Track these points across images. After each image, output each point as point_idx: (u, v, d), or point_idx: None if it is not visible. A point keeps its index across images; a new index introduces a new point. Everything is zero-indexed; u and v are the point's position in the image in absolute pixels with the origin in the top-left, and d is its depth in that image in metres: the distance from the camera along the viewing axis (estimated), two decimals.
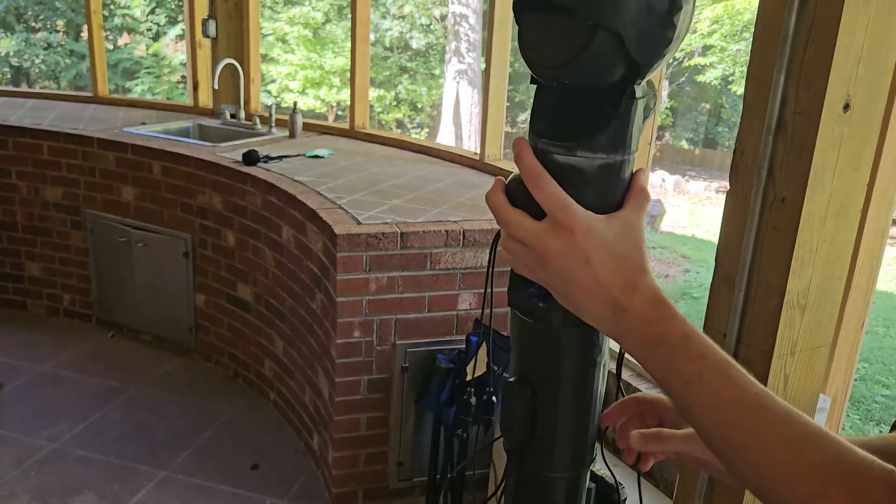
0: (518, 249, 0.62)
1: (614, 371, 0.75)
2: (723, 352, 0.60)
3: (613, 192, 0.62)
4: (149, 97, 12.81)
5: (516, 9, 0.60)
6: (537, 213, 0.60)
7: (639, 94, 0.60)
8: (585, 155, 0.60)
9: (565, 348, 0.68)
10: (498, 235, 0.85)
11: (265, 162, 3.31)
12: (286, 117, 4.01)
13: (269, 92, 12.78)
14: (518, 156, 0.60)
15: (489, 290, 0.82)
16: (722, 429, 0.59)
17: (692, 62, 14.26)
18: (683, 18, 0.58)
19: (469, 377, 2.35)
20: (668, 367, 0.60)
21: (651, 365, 0.61)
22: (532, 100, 0.64)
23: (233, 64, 4.20)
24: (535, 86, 0.63)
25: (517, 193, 0.62)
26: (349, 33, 3.98)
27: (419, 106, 14.41)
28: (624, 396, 0.84)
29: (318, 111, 13.32)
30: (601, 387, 0.71)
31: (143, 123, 4.06)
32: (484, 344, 2.34)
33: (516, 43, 0.59)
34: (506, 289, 0.68)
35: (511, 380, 0.72)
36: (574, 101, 0.61)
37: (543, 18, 0.58)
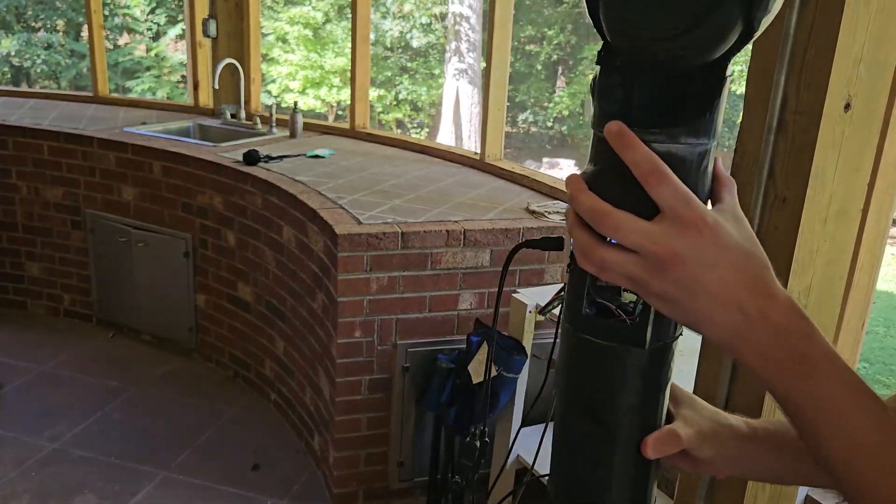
0: (624, 259, 0.52)
1: None
2: (858, 376, 0.54)
3: (707, 180, 0.56)
4: (149, 97, 12.81)
5: None
6: (639, 211, 0.52)
7: (730, 70, 0.54)
8: (689, 141, 0.53)
9: (643, 373, 0.59)
10: (516, 249, 0.77)
11: (266, 162, 3.31)
12: (287, 117, 4.01)
13: (269, 92, 12.78)
14: (628, 145, 0.51)
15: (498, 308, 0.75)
16: (853, 463, 0.53)
17: None
18: None
19: (475, 380, 2.35)
20: (802, 388, 0.52)
21: (780, 382, 0.53)
22: (599, 80, 0.56)
23: (233, 64, 4.20)
24: (606, 65, 0.55)
25: (609, 191, 0.53)
26: (349, 33, 3.98)
27: (419, 106, 14.41)
28: None
29: (318, 111, 13.31)
30: (664, 415, 0.63)
31: (144, 123, 4.06)
32: (484, 345, 2.34)
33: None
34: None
35: (575, 418, 0.62)
36: (677, 80, 0.54)
37: None
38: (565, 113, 14.55)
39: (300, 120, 3.97)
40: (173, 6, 14.01)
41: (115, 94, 5.30)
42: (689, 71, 0.52)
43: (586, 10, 0.54)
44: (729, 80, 0.54)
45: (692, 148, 0.53)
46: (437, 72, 14.03)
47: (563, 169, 13.26)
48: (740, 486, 1.71)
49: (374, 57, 13.34)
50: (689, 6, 0.48)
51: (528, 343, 2.35)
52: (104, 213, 3.74)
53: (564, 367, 0.63)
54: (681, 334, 0.61)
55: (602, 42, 0.56)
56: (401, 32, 13.67)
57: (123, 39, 14.53)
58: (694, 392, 1.70)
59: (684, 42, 0.50)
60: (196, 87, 4.49)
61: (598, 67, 0.56)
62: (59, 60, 13.55)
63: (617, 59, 0.55)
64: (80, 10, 13.00)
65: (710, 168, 0.56)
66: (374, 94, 13.09)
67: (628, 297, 0.59)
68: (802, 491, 1.93)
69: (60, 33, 14.15)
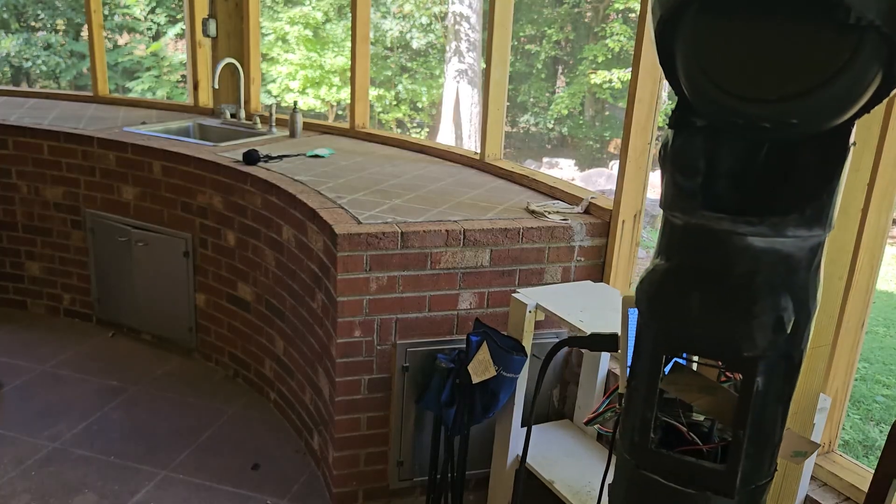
0: None
1: None
2: None
3: (820, 280, 0.40)
4: (149, 97, 12.81)
5: (685, 6, 0.36)
6: None
7: (853, 138, 0.38)
8: (799, 233, 0.39)
9: None
10: (559, 346, 0.58)
11: (265, 161, 3.31)
12: (286, 117, 4.01)
13: (269, 92, 12.78)
14: None
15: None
16: None
17: None
18: None
19: (475, 380, 2.35)
20: None
21: None
22: (671, 151, 0.39)
23: (233, 63, 4.20)
24: (680, 132, 0.39)
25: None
26: (349, 33, 3.98)
27: (419, 105, 14.41)
28: None
29: (318, 111, 13.32)
30: None
31: (144, 123, 4.06)
32: (484, 345, 2.34)
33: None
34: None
35: None
36: (785, 149, 0.39)
37: (770, 24, 0.34)
38: (565, 113, 14.55)
39: (300, 119, 3.97)
40: (173, 6, 14.01)
41: (115, 94, 5.30)
42: (801, 139, 0.37)
43: (657, 57, 0.39)
44: (852, 149, 0.38)
45: (802, 242, 0.39)
46: (437, 72, 14.03)
47: (562, 169, 13.26)
48: None
49: (373, 56, 13.34)
50: (812, 59, 0.34)
51: (527, 343, 2.35)
52: (104, 213, 3.74)
53: None
54: (776, 470, 0.45)
55: (678, 98, 0.40)
56: (401, 32, 13.67)
57: (123, 39, 14.53)
58: None
59: (800, 107, 0.35)
60: (196, 86, 4.49)
61: (669, 131, 0.40)
62: (59, 61, 13.55)
63: (698, 120, 0.40)
64: (79, 9, 13.00)
65: (822, 263, 0.40)
66: (373, 93, 13.09)
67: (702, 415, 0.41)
68: (802, 490, 1.93)
69: (60, 33, 14.15)
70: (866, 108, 0.38)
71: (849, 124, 0.38)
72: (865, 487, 1.74)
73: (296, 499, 2.76)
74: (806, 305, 0.39)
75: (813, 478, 2.03)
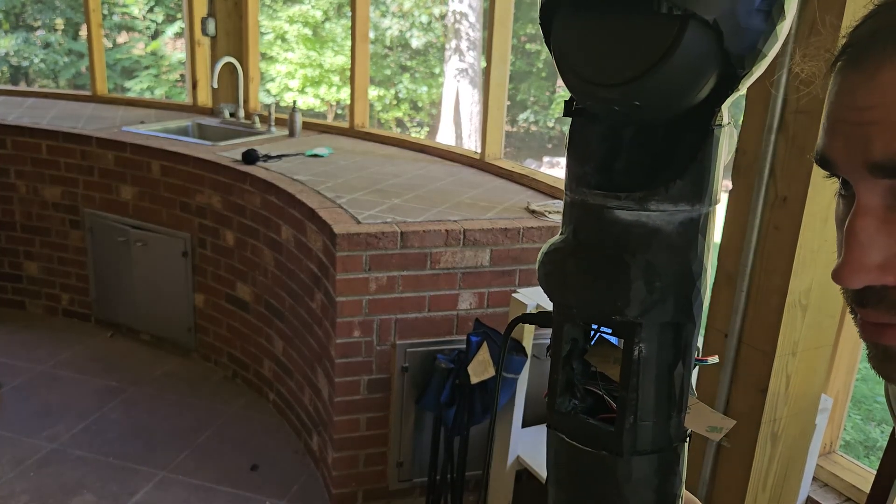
0: None
1: None
2: None
3: (700, 257, 0.46)
4: (147, 96, 12.80)
5: (553, 9, 0.44)
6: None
7: (724, 119, 0.45)
8: (663, 207, 0.44)
9: (639, 483, 0.50)
10: (515, 323, 0.66)
11: (264, 161, 3.30)
12: (285, 116, 4.00)
13: (268, 91, 12.76)
14: None
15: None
16: None
17: None
18: (787, 6, 0.43)
19: (474, 381, 2.34)
20: None
21: None
22: (568, 136, 0.48)
23: (232, 62, 4.19)
24: (573, 119, 0.48)
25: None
26: (349, 32, 3.97)
27: (419, 105, 14.40)
28: None
29: (317, 110, 13.30)
30: None
31: (142, 122, 4.05)
32: (485, 345, 2.33)
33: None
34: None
35: None
36: (644, 132, 0.46)
37: (608, 18, 0.42)
38: None
39: (299, 119, 3.96)
40: (171, 5, 14.00)
41: (113, 94, 5.28)
42: (665, 121, 0.45)
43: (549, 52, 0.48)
44: (720, 130, 0.45)
45: (669, 216, 0.45)
46: (437, 71, 14.02)
47: (563, 168, 13.25)
48: (741, 485, 1.71)
49: (373, 55, 13.33)
50: (640, 49, 0.41)
51: (527, 343, 2.34)
52: (103, 213, 3.73)
53: (551, 470, 0.55)
54: (688, 437, 0.51)
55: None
56: (400, 31, 13.65)
57: (122, 38, 14.52)
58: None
59: (644, 86, 0.41)
60: (195, 86, 4.48)
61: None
62: (57, 60, 13.54)
63: (583, 110, 0.47)
64: (78, 8, 12.99)
65: (704, 239, 0.46)
66: (373, 92, 13.08)
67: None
68: (804, 491, 1.92)
69: (59, 32, 14.14)
70: (725, 91, 0.43)
71: (709, 106, 0.43)
72: (867, 488, 1.74)
73: (295, 500, 2.75)
74: (678, 275, 0.44)
75: (814, 478, 2.02)
